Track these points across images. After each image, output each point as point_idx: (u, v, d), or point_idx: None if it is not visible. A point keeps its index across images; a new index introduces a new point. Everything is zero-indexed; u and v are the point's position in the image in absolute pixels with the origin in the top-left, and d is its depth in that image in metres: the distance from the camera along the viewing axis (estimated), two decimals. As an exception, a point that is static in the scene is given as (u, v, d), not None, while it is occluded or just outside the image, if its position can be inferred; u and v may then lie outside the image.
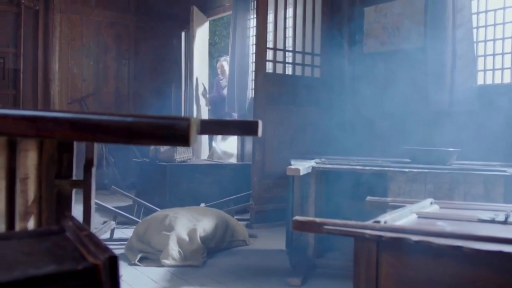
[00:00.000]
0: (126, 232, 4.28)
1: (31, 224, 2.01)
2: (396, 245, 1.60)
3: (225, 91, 6.85)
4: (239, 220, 4.63)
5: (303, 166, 3.07)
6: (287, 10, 5.13)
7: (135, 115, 1.05)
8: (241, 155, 6.26)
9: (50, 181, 2.06)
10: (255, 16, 6.77)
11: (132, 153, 7.03)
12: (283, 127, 4.87)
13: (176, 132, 1.03)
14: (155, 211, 4.63)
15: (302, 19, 5.08)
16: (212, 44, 9.78)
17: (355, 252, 1.72)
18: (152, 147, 5.55)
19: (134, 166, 6.10)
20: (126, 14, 7.37)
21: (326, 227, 1.75)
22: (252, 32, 6.77)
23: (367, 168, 3.19)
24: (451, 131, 4.09)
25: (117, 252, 3.68)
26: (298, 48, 5.09)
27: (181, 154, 5.45)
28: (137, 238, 3.61)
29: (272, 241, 4.21)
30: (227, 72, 6.86)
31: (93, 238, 1.10)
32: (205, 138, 7.75)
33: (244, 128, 1.97)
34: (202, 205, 4.82)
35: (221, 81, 7.06)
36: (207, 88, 7.28)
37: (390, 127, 4.71)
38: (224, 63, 7.03)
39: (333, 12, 5.20)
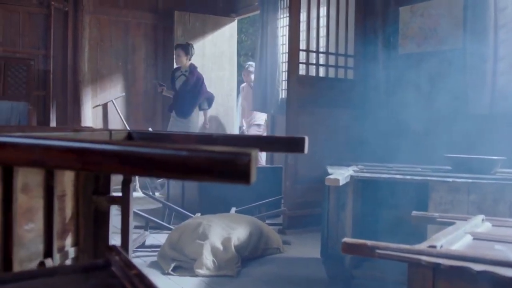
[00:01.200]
0: (158, 238, 4.23)
1: (68, 242, 1.95)
2: (455, 274, 1.50)
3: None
4: (271, 225, 4.55)
5: (341, 176, 2.97)
6: (319, 10, 5.02)
7: (190, 148, 0.97)
8: (270, 157, 6.18)
9: (87, 198, 2.00)
10: (284, 15, 6.70)
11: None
12: (315, 130, 4.76)
13: (237, 168, 0.94)
14: (186, 215, 4.58)
15: (336, 19, 4.97)
16: (238, 42, 9.71)
17: (409, 279, 1.62)
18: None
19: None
20: (154, 14, 7.33)
21: (378, 251, 1.65)
22: (282, 31, 6.67)
23: (408, 177, 3.07)
24: (492, 137, 3.94)
25: (149, 259, 3.64)
26: (331, 49, 4.98)
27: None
28: (170, 246, 3.55)
29: (306, 248, 4.12)
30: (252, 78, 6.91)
31: (144, 279, 1.02)
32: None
33: (289, 145, 1.90)
34: (233, 209, 4.75)
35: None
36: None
37: (426, 132, 4.57)
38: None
39: (367, 12, 5.07)
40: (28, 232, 1.72)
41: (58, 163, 1.04)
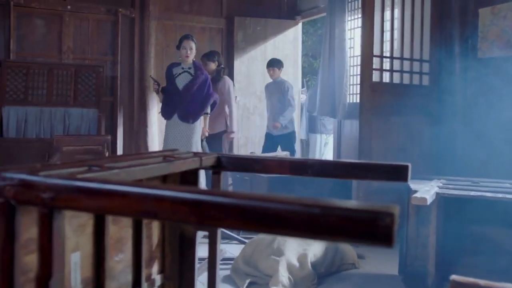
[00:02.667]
0: (227, 249, 4.17)
1: (155, 270, 1.89)
2: None
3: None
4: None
5: (428, 194, 2.80)
6: (391, 12, 4.83)
7: (322, 205, 0.86)
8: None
9: (174, 224, 1.93)
10: (352, 18, 6.53)
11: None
12: (389, 138, 4.59)
13: (377, 230, 0.83)
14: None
15: (410, 22, 4.76)
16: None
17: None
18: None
19: (228, 174, 5.99)
20: (218, 19, 7.29)
21: (494, 294, 1.50)
22: (350, 34, 6.50)
23: (500, 195, 2.87)
24: None
25: (222, 273, 3.57)
26: (405, 54, 4.78)
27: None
28: (244, 261, 3.47)
29: (382, 263, 3.95)
30: None
31: None
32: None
33: (390, 173, 1.76)
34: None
35: None
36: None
37: (507, 142, 4.31)
38: None
39: (443, 14, 4.84)
40: (118, 263, 1.66)
41: (172, 215, 0.95)
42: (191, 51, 5.41)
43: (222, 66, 6.16)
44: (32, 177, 1.05)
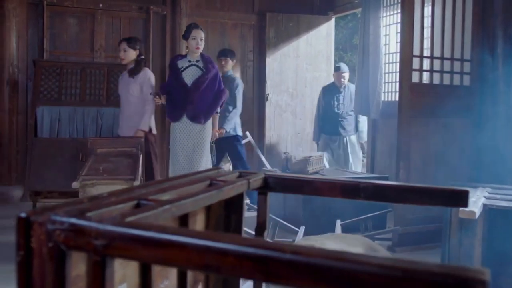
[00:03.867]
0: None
1: (199, 293, 1.83)
2: None
3: None
4: (379, 240, 4.31)
5: (476, 206, 2.69)
6: (431, 9, 4.68)
7: (405, 267, 0.77)
8: (371, 165, 5.83)
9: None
10: (387, 14, 6.37)
11: (259, 161, 6.89)
12: (428, 141, 4.46)
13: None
14: (290, 229, 4.43)
15: (451, 20, 4.61)
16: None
17: None
18: (284, 156, 5.33)
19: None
20: (250, 15, 7.19)
21: None
22: (385, 31, 6.35)
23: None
24: None
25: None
26: (445, 53, 4.63)
27: (313, 165, 5.19)
28: None
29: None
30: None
31: None
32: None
33: (448, 198, 1.66)
34: (338, 222, 4.55)
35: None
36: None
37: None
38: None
39: (485, 12, 4.66)
40: (163, 290, 1.60)
41: (236, 271, 0.88)
42: (202, 42, 4.78)
43: (143, 56, 5.14)
44: (83, 222, 0.99)
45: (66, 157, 5.39)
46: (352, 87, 6.49)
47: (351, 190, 1.69)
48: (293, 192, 1.78)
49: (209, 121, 4.82)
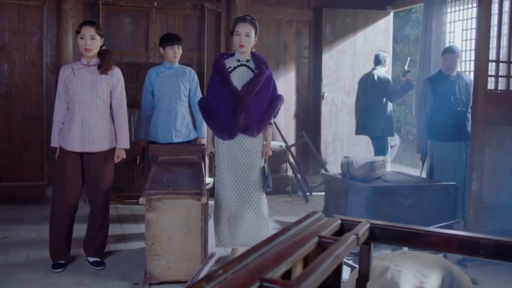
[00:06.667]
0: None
1: None
2: None
3: None
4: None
5: None
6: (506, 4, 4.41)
7: None
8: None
9: None
10: (452, 10, 6.09)
11: (316, 162, 6.75)
12: (502, 151, 4.22)
13: None
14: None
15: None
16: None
17: None
18: (344, 160, 5.15)
19: (321, 178, 5.78)
20: (306, 11, 6.99)
21: None
22: (449, 28, 6.08)
23: None
24: None
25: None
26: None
27: (377, 170, 4.99)
28: (353, 291, 3.25)
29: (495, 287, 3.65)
30: None
31: None
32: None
33: None
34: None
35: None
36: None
37: None
38: None
39: None
40: None
41: None
42: (248, 39, 3.94)
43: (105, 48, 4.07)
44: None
45: (124, 160, 5.35)
46: (467, 77, 5.27)
47: (470, 246, 1.53)
48: (401, 244, 1.64)
49: (261, 134, 4.03)
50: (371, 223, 1.63)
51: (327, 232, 1.53)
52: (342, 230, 1.64)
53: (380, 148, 6.18)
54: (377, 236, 1.63)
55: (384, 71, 6.21)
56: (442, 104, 5.04)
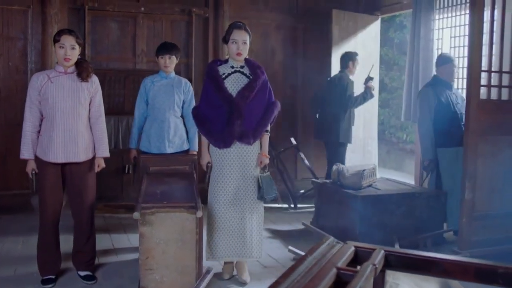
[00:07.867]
0: None
1: None
2: None
3: None
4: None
5: None
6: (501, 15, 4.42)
7: None
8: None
9: None
10: (440, 17, 6.10)
11: (304, 167, 6.70)
12: (494, 160, 4.24)
13: None
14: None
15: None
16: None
17: None
18: (335, 168, 5.13)
19: (311, 185, 5.74)
20: (294, 16, 6.96)
21: None
22: (437, 34, 6.09)
23: None
24: None
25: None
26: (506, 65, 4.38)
27: (367, 178, 4.99)
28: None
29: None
30: None
31: None
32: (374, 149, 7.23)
33: None
34: (397, 245, 4.39)
35: None
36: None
37: None
38: None
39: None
40: None
41: None
42: (245, 46, 3.84)
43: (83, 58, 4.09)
44: None
45: (111, 168, 5.27)
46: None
47: (488, 275, 1.50)
48: (417, 272, 1.60)
49: (257, 142, 3.92)
50: (385, 251, 1.60)
51: (343, 262, 1.49)
52: (356, 258, 1.61)
53: (336, 156, 5.92)
54: (392, 263, 1.60)
55: (350, 76, 6.01)
56: (447, 109, 4.96)
